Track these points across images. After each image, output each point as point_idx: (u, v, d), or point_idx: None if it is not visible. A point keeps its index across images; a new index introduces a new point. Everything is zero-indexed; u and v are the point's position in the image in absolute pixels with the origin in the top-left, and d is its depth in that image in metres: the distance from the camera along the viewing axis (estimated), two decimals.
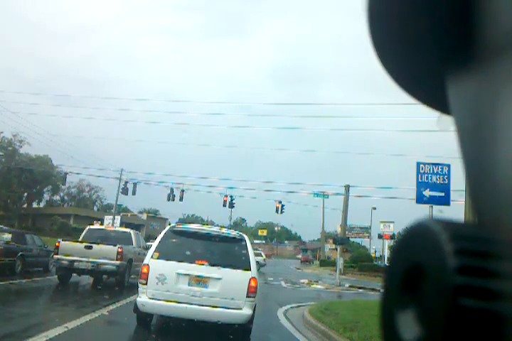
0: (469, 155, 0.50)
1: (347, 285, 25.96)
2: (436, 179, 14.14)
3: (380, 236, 52.18)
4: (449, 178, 14.17)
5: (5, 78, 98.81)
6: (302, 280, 26.95)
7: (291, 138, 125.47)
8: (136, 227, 48.10)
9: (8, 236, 15.38)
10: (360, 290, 24.06)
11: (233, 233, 8.30)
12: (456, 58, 0.50)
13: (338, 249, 30.93)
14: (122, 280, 14.05)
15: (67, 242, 14.29)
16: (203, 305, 7.22)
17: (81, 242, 14.25)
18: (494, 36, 0.45)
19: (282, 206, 39.96)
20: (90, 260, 13.44)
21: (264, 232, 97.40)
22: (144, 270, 7.34)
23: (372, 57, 0.56)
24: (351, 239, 59.99)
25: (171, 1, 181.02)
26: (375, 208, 57.79)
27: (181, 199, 41.11)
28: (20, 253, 15.03)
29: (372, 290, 23.40)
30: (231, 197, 40.58)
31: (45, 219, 56.93)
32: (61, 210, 64.75)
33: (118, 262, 13.56)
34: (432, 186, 14.06)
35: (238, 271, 7.42)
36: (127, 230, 16.81)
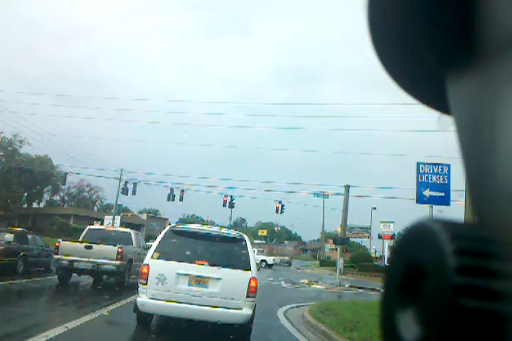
0: (469, 155, 0.50)
1: (347, 285, 25.95)
2: (436, 179, 14.15)
3: (380, 236, 52.17)
4: (449, 178, 14.17)
5: (5, 78, 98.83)
6: (302, 280, 26.96)
7: (291, 138, 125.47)
8: (136, 227, 48.11)
9: (10, 236, 15.42)
10: (360, 290, 24.06)
11: (233, 233, 8.30)
12: (456, 58, 0.50)
13: (338, 249, 30.91)
14: (122, 280, 14.05)
15: (67, 242, 14.30)
16: (203, 305, 7.22)
17: (81, 242, 14.26)
18: (494, 36, 0.45)
19: (282, 206, 39.96)
20: (90, 260, 13.43)
21: (264, 232, 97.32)
22: (144, 270, 7.35)
23: (373, 57, 0.56)
24: (351, 239, 59.96)
25: (172, 1, 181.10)
26: (375, 208, 57.83)
27: (181, 199, 41.12)
28: (22, 253, 15.05)
29: (372, 290, 23.39)
30: (231, 197, 40.59)
31: (45, 219, 56.90)
32: (61, 210, 64.72)
33: (118, 262, 13.56)
34: (432, 186, 14.06)
35: (238, 271, 7.42)
36: (127, 230, 16.81)
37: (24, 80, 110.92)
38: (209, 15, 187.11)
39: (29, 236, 16.40)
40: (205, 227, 8.58)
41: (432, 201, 14.00)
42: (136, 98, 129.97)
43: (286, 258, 59.46)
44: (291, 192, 52.04)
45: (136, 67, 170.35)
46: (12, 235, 15.55)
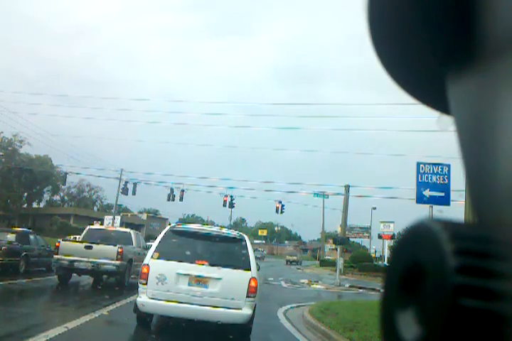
0: (469, 155, 0.50)
1: (347, 285, 25.94)
2: (436, 179, 14.14)
3: (380, 236, 52.13)
4: (449, 178, 14.16)
5: (5, 78, 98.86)
6: (302, 280, 26.95)
7: (291, 138, 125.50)
8: (136, 227, 48.10)
9: (12, 236, 15.43)
10: (361, 290, 24.05)
11: (233, 233, 8.30)
12: (456, 58, 0.50)
13: (338, 249, 30.91)
14: (122, 280, 14.05)
15: (67, 242, 14.31)
16: (203, 305, 7.22)
17: (81, 242, 14.26)
18: (494, 36, 0.45)
19: (282, 206, 39.95)
20: (90, 260, 13.43)
21: (264, 232, 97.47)
22: (144, 270, 7.35)
23: (373, 57, 0.56)
24: (351, 239, 59.99)
25: (172, 1, 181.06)
26: (375, 208, 57.75)
27: (181, 199, 41.11)
28: (23, 253, 15.06)
29: (372, 290, 23.37)
30: (231, 197, 40.59)
31: (45, 219, 56.94)
32: (61, 210, 64.77)
33: (118, 262, 13.56)
34: (432, 186, 14.05)
35: (238, 271, 7.42)
36: (127, 230, 16.81)
37: (24, 80, 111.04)
38: (209, 16, 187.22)
39: (31, 236, 16.43)
40: (205, 227, 8.58)
41: (432, 201, 13.99)
42: (136, 98, 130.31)
43: (295, 257, 64.62)
44: (291, 192, 52.18)
45: (136, 67, 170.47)
46: (14, 235, 15.58)
